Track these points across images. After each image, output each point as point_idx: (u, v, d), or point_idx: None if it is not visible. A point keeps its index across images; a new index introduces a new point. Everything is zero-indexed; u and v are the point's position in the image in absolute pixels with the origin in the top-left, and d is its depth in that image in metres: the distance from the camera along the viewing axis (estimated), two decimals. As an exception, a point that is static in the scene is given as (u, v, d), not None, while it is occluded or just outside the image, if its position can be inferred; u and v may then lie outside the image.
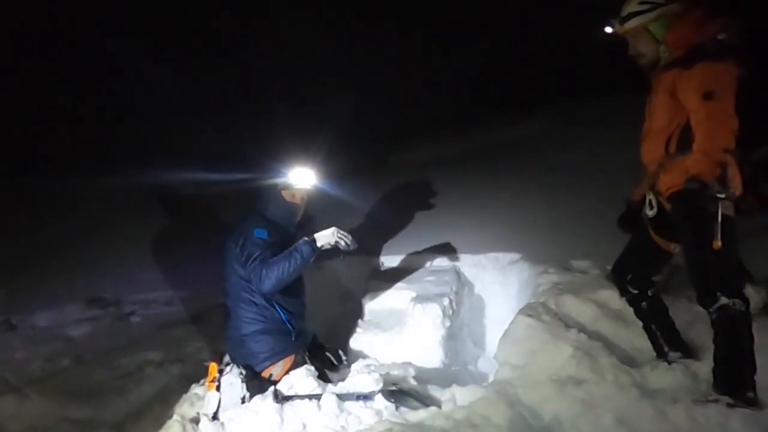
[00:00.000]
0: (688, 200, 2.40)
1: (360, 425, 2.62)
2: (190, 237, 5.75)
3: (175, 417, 2.96)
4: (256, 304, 3.21)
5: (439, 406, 2.66)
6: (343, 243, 3.27)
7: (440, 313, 3.68)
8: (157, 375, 3.63)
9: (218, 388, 2.97)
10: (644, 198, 2.80)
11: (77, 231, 6.27)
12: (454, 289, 4.02)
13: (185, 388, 3.24)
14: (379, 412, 2.67)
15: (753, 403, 2.29)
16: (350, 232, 3.34)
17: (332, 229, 3.27)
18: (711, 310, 2.39)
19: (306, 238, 3.22)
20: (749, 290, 2.74)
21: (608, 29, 2.71)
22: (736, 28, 2.45)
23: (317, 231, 3.29)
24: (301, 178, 3.37)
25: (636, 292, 2.90)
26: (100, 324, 4.50)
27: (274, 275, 3.09)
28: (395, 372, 3.05)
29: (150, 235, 5.88)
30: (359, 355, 3.53)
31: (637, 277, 2.90)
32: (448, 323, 3.72)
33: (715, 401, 2.31)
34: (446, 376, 3.36)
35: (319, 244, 3.22)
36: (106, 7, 10.17)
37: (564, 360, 2.77)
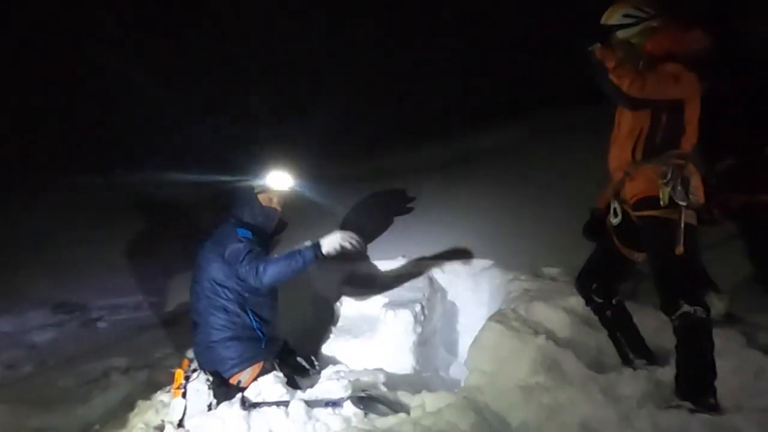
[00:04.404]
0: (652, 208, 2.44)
1: (328, 432, 2.60)
2: (162, 241, 5.69)
3: (140, 425, 2.92)
4: (227, 311, 3.14)
5: (409, 413, 2.65)
6: (349, 245, 3.10)
7: (412, 319, 3.68)
8: (122, 382, 3.58)
9: (184, 395, 2.92)
10: (609, 206, 2.83)
11: (43, 232, 6.15)
12: (426, 295, 4.01)
13: (151, 395, 3.19)
14: (347, 419, 2.65)
15: (714, 409, 2.34)
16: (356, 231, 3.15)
17: (337, 234, 3.12)
18: (673, 317, 2.43)
19: (310, 243, 3.09)
20: (712, 298, 2.80)
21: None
22: (707, 42, 2.51)
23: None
24: (278, 181, 3.27)
25: (600, 301, 2.92)
26: (65, 329, 4.44)
27: (271, 272, 2.99)
28: (365, 378, 3.03)
29: (120, 239, 5.80)
30: (331, 362, 3.50)
31: (601, 286, 2.92)
32: (419, 329, 3.72)
33: (678, 407, 2.36)
34: (417, 383, 3.35)
35: (324, 251, 3.06)
36: (92, 8, 10.01)
37: (532, 366, 2.78)
